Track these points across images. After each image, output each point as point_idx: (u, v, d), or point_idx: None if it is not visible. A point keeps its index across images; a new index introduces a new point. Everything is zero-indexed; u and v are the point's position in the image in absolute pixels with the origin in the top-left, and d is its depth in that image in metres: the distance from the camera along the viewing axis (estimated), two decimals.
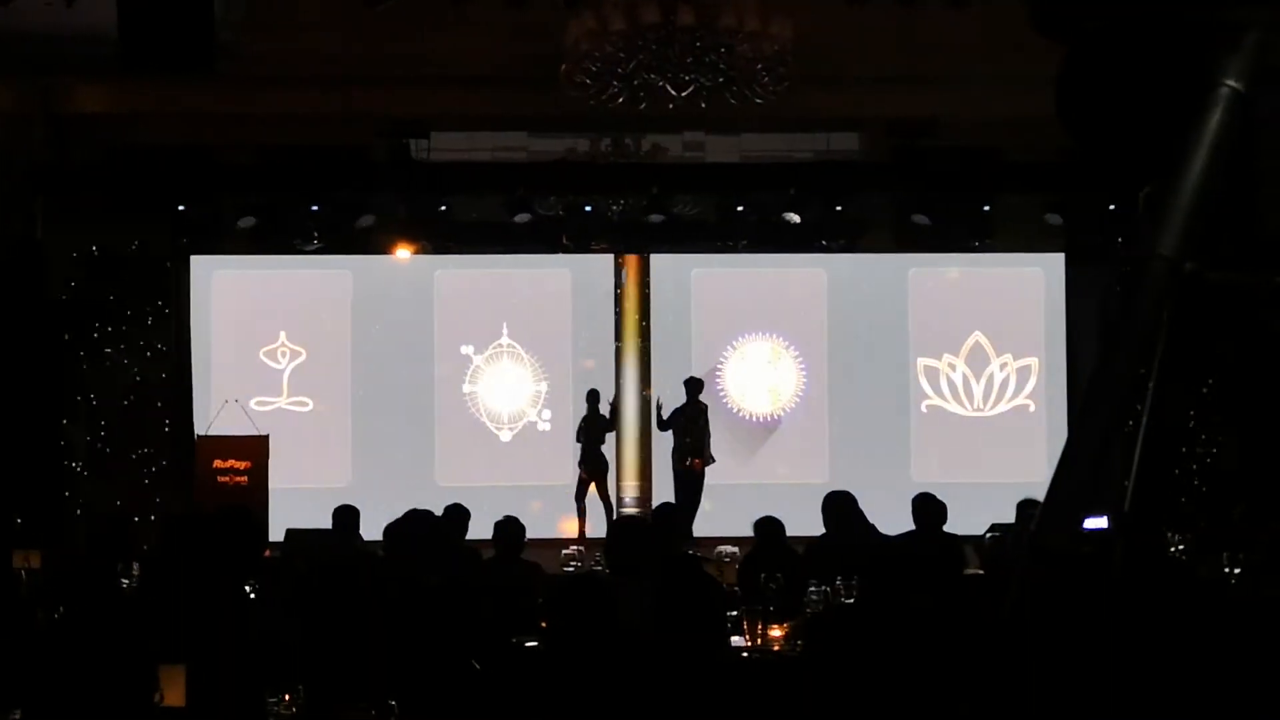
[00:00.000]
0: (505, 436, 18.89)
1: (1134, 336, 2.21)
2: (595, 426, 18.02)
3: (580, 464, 17.97)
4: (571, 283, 19.12)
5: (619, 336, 19.10)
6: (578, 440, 18.05)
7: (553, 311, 19.07)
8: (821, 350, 19.13)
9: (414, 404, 18.71)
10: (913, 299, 19.13)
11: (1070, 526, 2.25)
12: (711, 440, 17.75)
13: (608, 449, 18.10)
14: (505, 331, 18.94)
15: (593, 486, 17.85)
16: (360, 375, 18.85)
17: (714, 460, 17.68)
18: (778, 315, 19.17)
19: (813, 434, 18.99)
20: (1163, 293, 2.22)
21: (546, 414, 18.92)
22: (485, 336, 18.98)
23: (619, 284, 19.11)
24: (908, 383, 19.00)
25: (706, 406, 17.85)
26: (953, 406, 18.98)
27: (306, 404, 18.35)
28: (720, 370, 19.00)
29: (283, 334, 18.67)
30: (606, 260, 19.13)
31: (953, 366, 19.03)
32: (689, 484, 17.56)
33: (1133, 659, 2.48)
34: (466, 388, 18.89)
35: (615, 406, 18.24)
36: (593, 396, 18.14)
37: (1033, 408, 18.96)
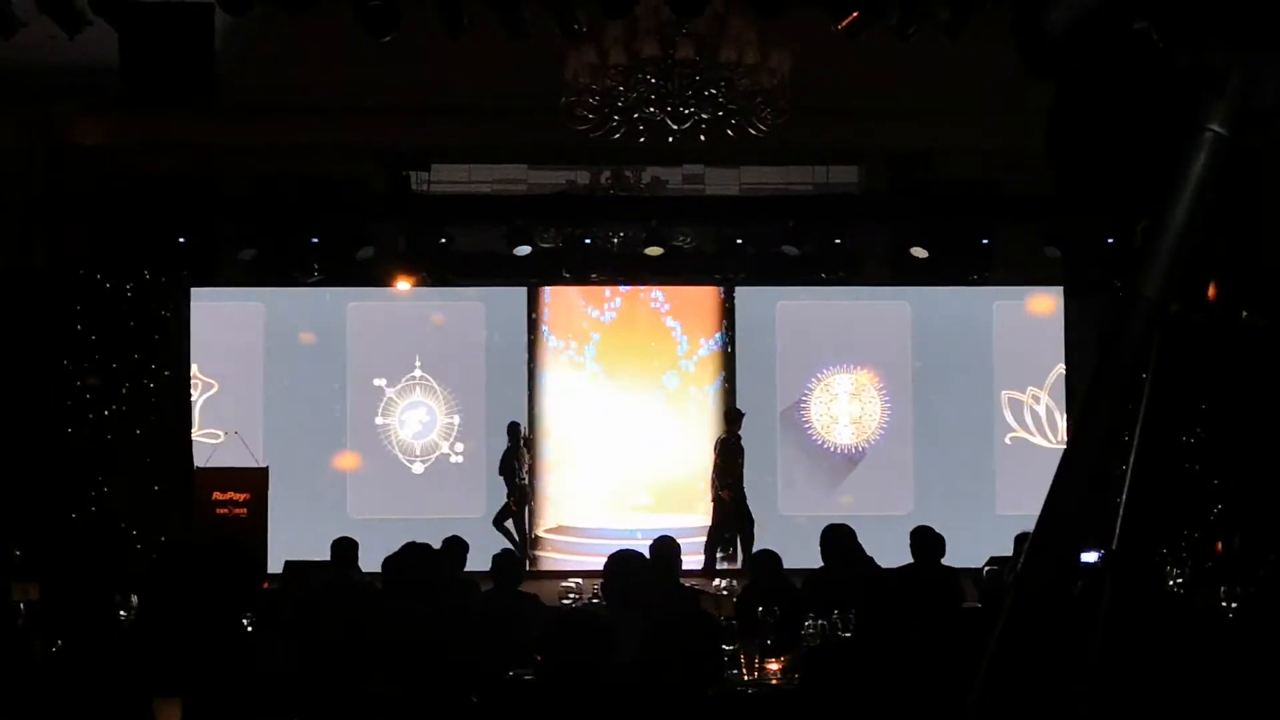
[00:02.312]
0: (417, 469, 18.91)
1: (1120, 376, 2.23)
2: (518, 458, 18.02)
3: (510, 495, 18.01)
4: (484, 314, 19.14)
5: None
6: (500, 474, 18.07)
7: (466, 343, 19.09)
8: (906, 382, 19.22)
9: (326, 436, 18.61)
10: (997, 331, 19.16)
11: (1055, 564, 2.26)
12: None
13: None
14: (418, 363, 18.95)
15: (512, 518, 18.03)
16: (272, 407, 18.76)
17: (742, 490, 17.82)
18: (862, 347, 19.27)
19: (897, 466, 19.07)
20: (1148, 333, 2.24)
21: (459, 446, 18.95)
22: (398, 369, 19.00)
23: (532, 315, 19.09)
24: (992, 415, 19.03)
25: (741, 437, 17.90)
26: (1037, 439, 19.00)
27: (218, 435, 18.20)
28: (805, 402, 19.05)
29: (195, 366, 18.62)
30: (519, 292, 19.11)
31: (1037, 399, 19.06)
32: (724, 515, 17.71)
33: (1125, 691, 2.49)
34: (379, 420, 18.89)
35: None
36: (513, 429, 18.17)
37: None
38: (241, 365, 18.78)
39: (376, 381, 18.95)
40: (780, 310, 19.20)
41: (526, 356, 19.06)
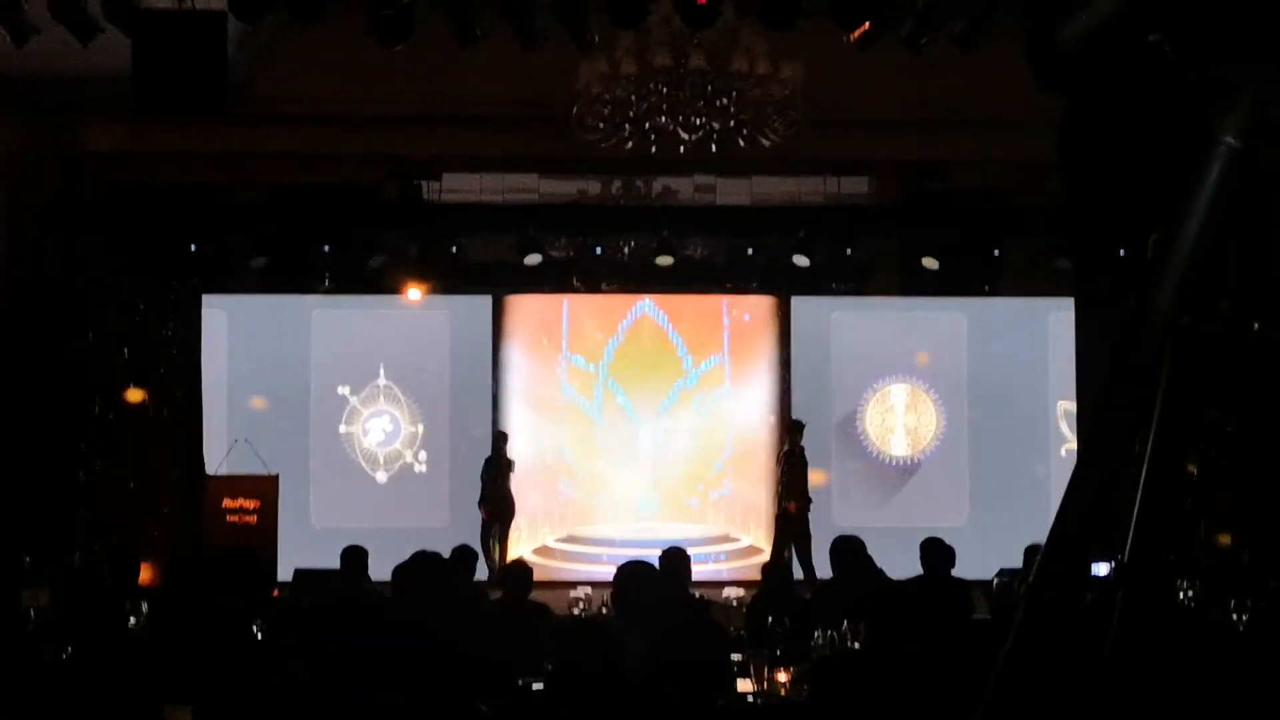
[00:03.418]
0: (381, 478, 18.88)
1: (1132, 388, 2.23)
2: (500, 468, 17.99)
3: (481, 503, 17.93)
4: (449, 324, 19.10)
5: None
6: (482, 479, 18.02)
7: (430, 352, 19.03)
8: (961, 393, 19.16)
9: (289, 445, 18.41)
10: (1053, 342, 19.09)
11: (1067, 576, 2.26)
12: (809, 483, 17.84)
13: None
14: (382, 372, 18.92)
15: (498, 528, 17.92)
16: (236, 414, 18.63)
17: (811, 501, 17.73)
18: (917, 358, 19.22)
19: (952, 477, 19.03)
20: (1160, 345, 2.24)
21: (423, 455, 18.90)
22: (362, 377, 18.94)
23: (497, 324, 19.05)
24: (1047, 426, 18.94)
25: (804, 448, 17.88)
26: None
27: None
28: (859, 413, 19.04)
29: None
30: (484, 301, 19.06)
31: None
32: (786, 527, 17.62)
33: (1135, 704, 2.49)
34: (343, 428, 18.87)
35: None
36: (500, 439, 18.16)
37: None
38: (205, 371, 18.52)
39: (340, 389, 18.92)
40: (835, 321, 19.18)
41: (491, 365, 19.00)
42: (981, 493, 18.78)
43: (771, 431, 19.03)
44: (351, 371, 18.95)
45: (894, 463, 19.07)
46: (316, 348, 18.92)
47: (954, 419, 19.08)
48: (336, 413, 18.87)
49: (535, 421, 18.99)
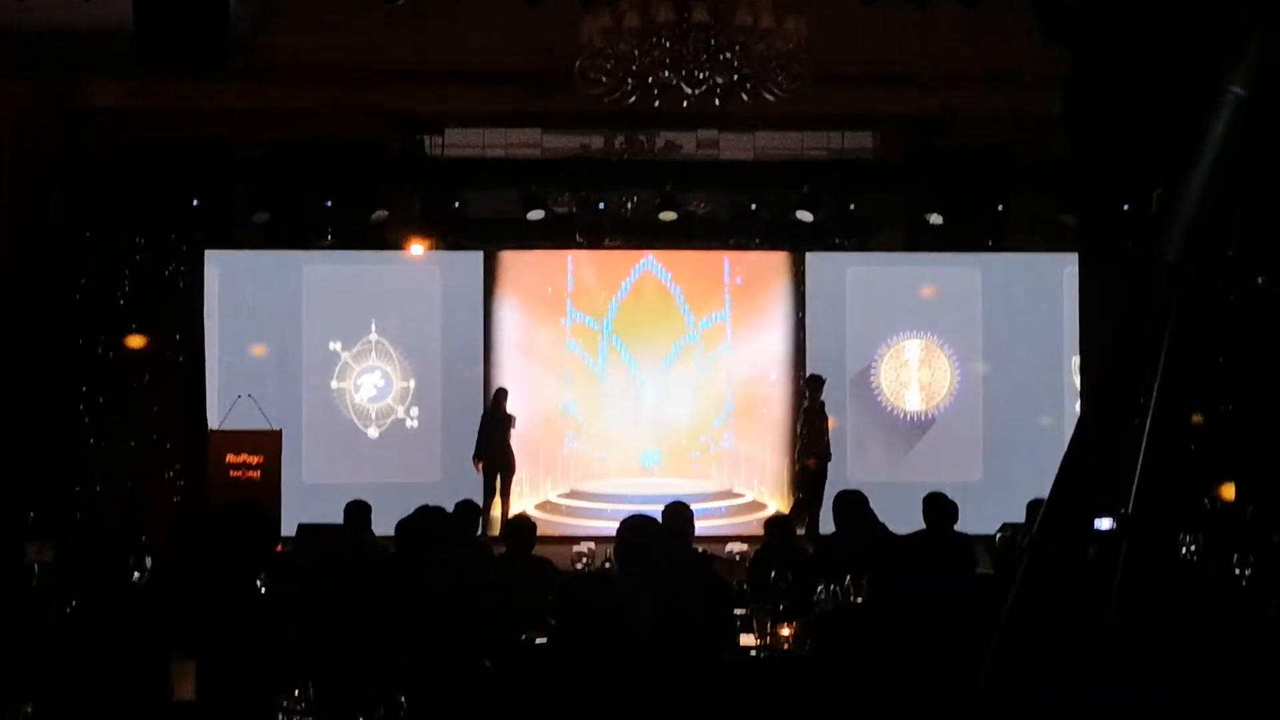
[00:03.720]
0: (373, 433, 18.89)
1: (1137, 341, 2.22)
2: (499, 424, 17.98)
3: (475, 457, 17.95)
4: (441, 280, 19.07)
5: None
6: (479, 433, 18.02)
7: (421, 308, 19.02)
8: (975, 349, 19.17)
9: (280, 401, 18.27)
10: (1067, 297, 19.05)
11: (1072, 528, 2.25)
12: (830, 438, 17.91)
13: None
14: (374, 328, 18.91)
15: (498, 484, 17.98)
16: (226, 369, 18.63)
17: (830, 457, 17.73)
18: (932, 314, 19.22)
19: (966, 433, 19.04)
20: (1166, 297, 2.23)
21: (414, 411, 18.91)
22: (354, 332, 18.94)
23: (489, 280, 19.04)
24: (1062, 382, 18.91)
25: (824, 403, 17.84)
26: None
27: None
28: (874, 368, 19.04)
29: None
30: (475, 257, 19.05)
31: None
32: (807, 482, 17.60)
33: (1137, 657, 2.49)
34: (334, 384, 18.87)
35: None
36: (500, 395, 18.14)
37: None
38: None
39: (332, 345, 18.92)
40: (850, 277, 19.15)
41: (483, 321, 19.00)
42: (996, 448, 18.77)
43: (772, 387, 19.06)
44: (343, 327, 18.93)
45: (908, 418, 19.08)
46: (308, 304, 18.90)
47: (968, 374, 19.07)
48: (328, 368, 18.87)
49: (538, 377, 18.98)
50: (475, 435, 18.06)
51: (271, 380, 18.54)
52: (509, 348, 19.03)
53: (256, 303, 18.83)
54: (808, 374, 18.34)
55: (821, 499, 17.23)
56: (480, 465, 17.89)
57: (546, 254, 19.16)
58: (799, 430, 17.92)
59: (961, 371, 19.06)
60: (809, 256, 19.04)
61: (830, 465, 17.78)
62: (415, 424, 18.90)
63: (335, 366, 18.86)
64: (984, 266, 19.10)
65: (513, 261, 19.17)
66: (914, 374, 19.09)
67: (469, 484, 17.50)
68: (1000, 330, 19.09)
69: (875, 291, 19.19)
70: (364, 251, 18.89)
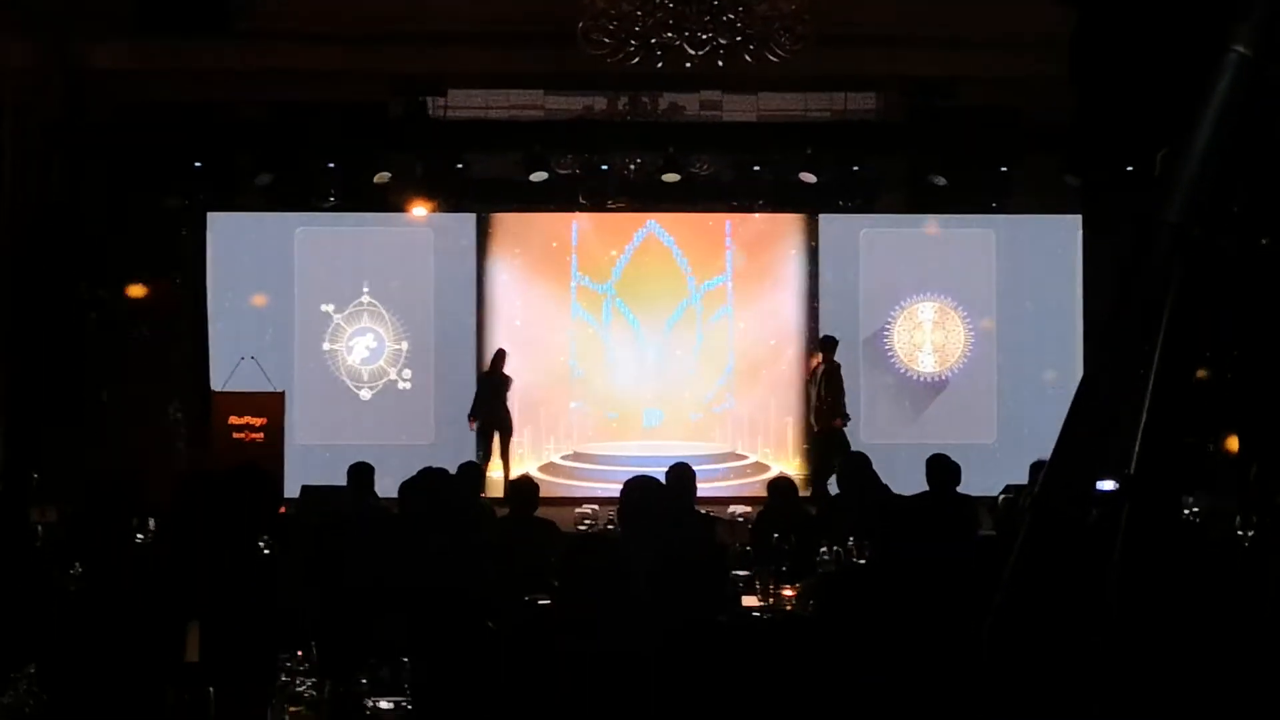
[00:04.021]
0: (365, 395, 18.90)
1: (1141, 301, 2.22)
2: (496, 385, 17.98)
3: (471, 415, 17.97)
4: (433, 242, 19.05)
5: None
6: (477, 392, 18.06)
7: (414, 270, 19.00)
8: (989, 310, 19.17)
9: (273, 363, 18.27)
10: (1080, 259, 19.01)
11: (1074, 489, 2.25)
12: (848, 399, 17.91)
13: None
14: (366, 289, 18.90)
15: (497, 444, 17.94)
16: (218, 333, 18.61)
17: (849, 419, 17.77)
18: (945, 275, 19.20)
19: (980, 394, 19.06)
20: (1170, 258, 2.23)
21: (407, 373, 18.93)
22: (346, 294, 18.93)
23: (481, 243, 19.02)
24: (1075, 343, 18.86)
25: (840, 365, 17.85)
26: None
27: None
28: (887, 330, 19.06)
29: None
30: (468, 220, 19.01)
31: None
32: (830, 443, 17.54)
33: (1140, 619, 2.49)
34: (326, 345, 18.87)
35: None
36: (499, 356, 18.13)
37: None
38: None
39: (324, 307, 18.91)
40: (863, 238, 19.14)
41: (475, 282, 18.99)
42: (1010, 409, 18.76)
43: (774, 350, 19.06)
44: (335, 289, 18.93)
45: (922, 380, 19.09)
46: (300, 266, 18.89)
47: (982, 336, 19.07)
48: (320, 330, 18.87)
49: (539, 339, 18.98)
50: (468, 398, 18.09)
51: (264, 343, 18.54)
52: (503, 309, 19.02)
53: (248, 265, 18.79)
54: (821, 335, 18.27)
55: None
56: (474, 424, 17.90)
57: (541, 216, 19.13)
58: (819, 392, 17.81)
59: (975, 333, 19.06)
60: (821, 219, 19.04)
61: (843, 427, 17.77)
62: (408, 386, 18.93)
63: (327, 329, 18.86)
64: (997, 228, 19.08)
65: (506, 223, 19.14)
66: (928, 336, 19.10)
67: (462, 445, 17.59)
68: (1014, 291, 19.08)
69: (889, 253, 19.16)
70: (357, 214, 18.85)
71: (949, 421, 18.72)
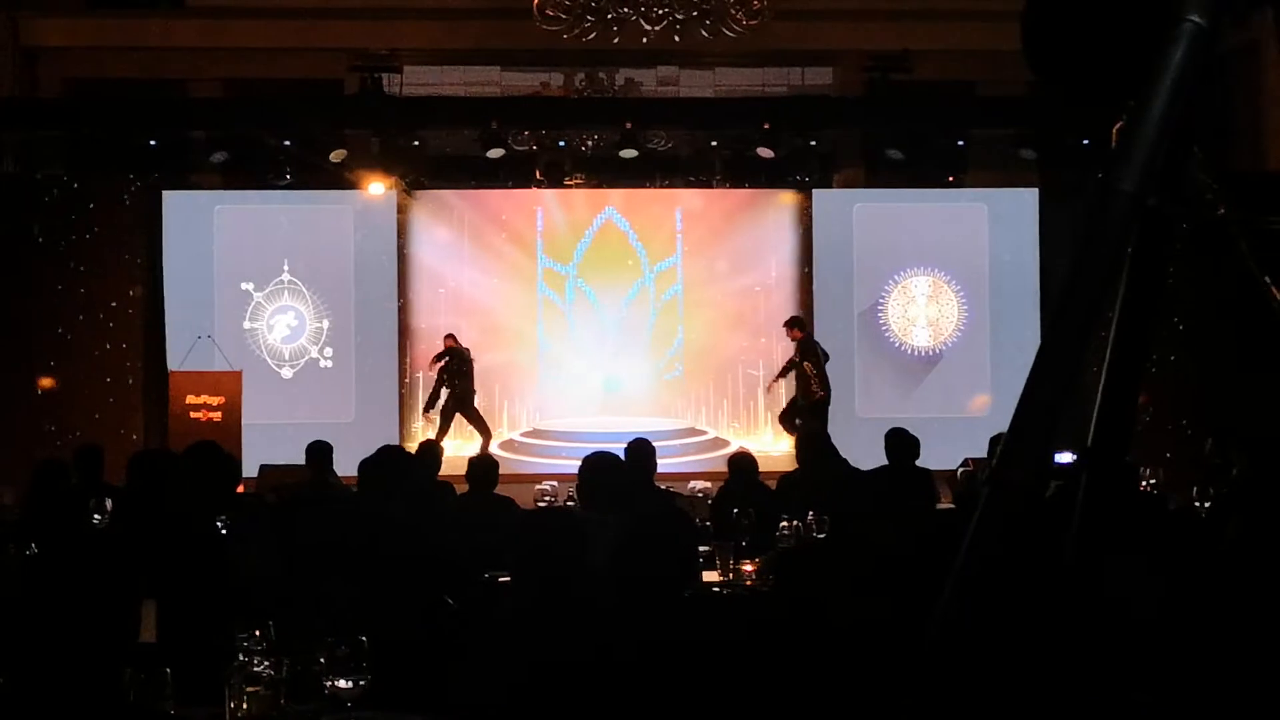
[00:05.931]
0: (286, 373, 18.87)
1: (1096, 271, 2.21)
2: (453, 369, 17.96)
3: (425, 411, 18.11)
4: (353, 219, 19.01)
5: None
6: (449, 380, 18.00)
7: (334, 248, 18.96)
8: (983, 284, 19.24)
9: (193, 341, 18.12)
10: (1038, 231, 19.08)
11: (1032, 461, 2.25)
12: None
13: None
14: (286, 268, 18.84)
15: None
16: (172, 311, 18.53)
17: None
18: (939, 250, 19.25)
19: (974, 368, 19.10)
20: (1125, 228, 2.22)
21: (328, 351, 18.91)
22: (266, 273, 18.87)
23: (400, 219, 19.02)
24: None
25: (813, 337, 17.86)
26: None
27: None
28: (882, 305, 19.10)
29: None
30: (390, 197, 18.94)
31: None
32: (817, 414, 17.48)
33: (1097, 590, 2.49)
34: (247, 324, 18.82)
35: None
36: (451, 338, 18.10)
37: None
38: None
39: (244, 285, 18.85)
40: (857, 213, 19.15)
41: (396, 260, 18.99)
42: (1004, 383, 18.77)
43: (733, 326, 19.09)
44: (255, 268, 18.86)
45: (916, 354, 19.13)
46: (219, 244, 18.78)
47: (976, 310, 19.12)
48: (240, 309, 18.80)
49: (495, 320, 18.98)
50: (391, 376, 18.28)
51: (182, 321, 18.44)
52: (427, 286, 19.01)
53: (169, 241, 18.64)
54: (791, 315, 18.23)
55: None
56: (428, 416, 17.97)
57: (463, 193, 19.12)
58: (808, 369, 17.67)
59: (969, 307, 19.11)
60: (815, 194, 19.11)
61: (838, 401, 17.73)
62: (329, 364, 18.90)
63: (247, 307, 18.77)
64: (991, 201, 19.13)
65: (428, 200, 19.12)
66: (922, 310, 19.15)
67: (384, 423, 17.61)
68: (1008, 265, 19.13)
69: (882, 228, 19.18)
70: (274, 191, 18.75)
71: (943, 395, 18.84)
